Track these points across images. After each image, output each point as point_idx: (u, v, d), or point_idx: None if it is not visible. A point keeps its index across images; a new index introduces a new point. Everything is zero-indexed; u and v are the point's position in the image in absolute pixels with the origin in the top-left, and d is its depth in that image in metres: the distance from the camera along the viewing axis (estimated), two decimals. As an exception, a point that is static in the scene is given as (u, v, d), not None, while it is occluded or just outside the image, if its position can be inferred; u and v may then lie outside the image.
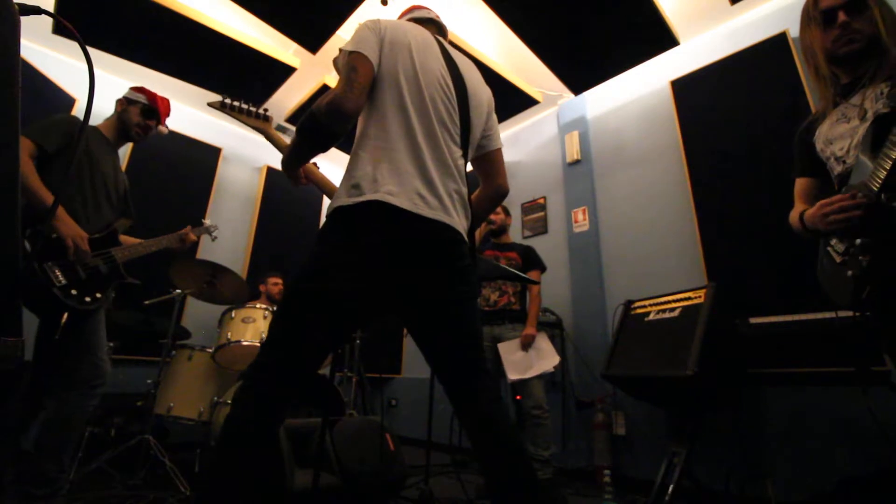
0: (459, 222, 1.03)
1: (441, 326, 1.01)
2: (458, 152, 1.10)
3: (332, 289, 0.92)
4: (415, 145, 1.00)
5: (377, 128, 1.02)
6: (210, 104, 1.38)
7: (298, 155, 1.09)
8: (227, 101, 1.36)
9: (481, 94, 1.22)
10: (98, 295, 1.70)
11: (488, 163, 1.27)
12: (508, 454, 0.92)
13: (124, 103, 1.94)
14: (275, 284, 3.47)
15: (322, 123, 0.96)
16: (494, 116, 1.30)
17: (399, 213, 0.92)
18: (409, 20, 1.32)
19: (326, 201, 4.76)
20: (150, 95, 1.97)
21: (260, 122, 1.39)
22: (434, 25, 1.33)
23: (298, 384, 0.95)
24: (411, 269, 0.97)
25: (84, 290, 1.65)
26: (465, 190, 1.08)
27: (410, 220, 0.93)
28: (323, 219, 4.97)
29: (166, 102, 2.01)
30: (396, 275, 0.97)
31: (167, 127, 2.04)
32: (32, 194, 1.53)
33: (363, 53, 1.02)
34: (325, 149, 1.03)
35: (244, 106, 1.37)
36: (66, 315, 1.60)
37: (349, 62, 1.01)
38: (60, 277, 1.58)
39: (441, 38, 1.25)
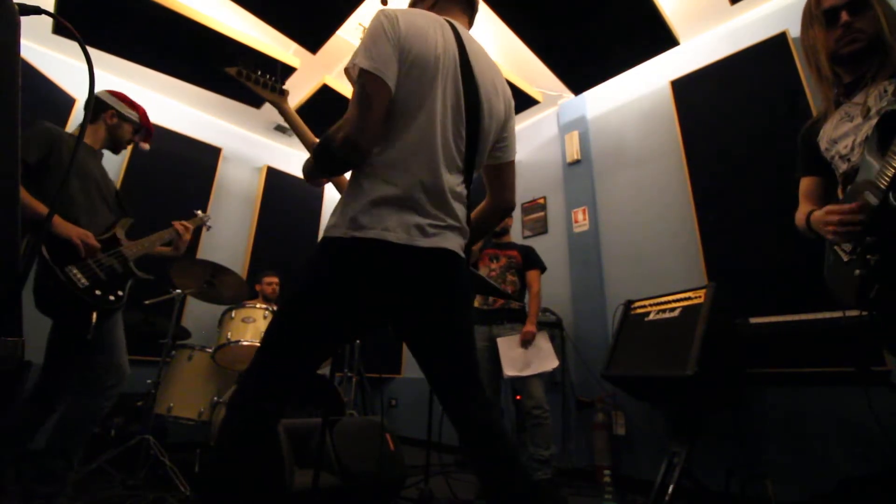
0: (456, 242, 1.01)
1: (435, 342, 1.02)
2: (460, 178, 1.06)
3: (327, 310, 0.93)
4: (417, 178, 0.96)
5: (382, 156, 0.97)
6: (226, 70, 1.30)
7: (319, 173, 1.09)
8: (244, 70, 1.28)
9: (497, 107, 1.12)
10: (119, 293, 1.73)
11: (497, 174, 1.20)
12: (503, 463, 0.93)
13: (116, 118, 1.91)
14: (269, 284, 3.45)
15: (337, 157, 0.97)
16: (512, 124, 1.20)
17: (395, 247, 0.91)
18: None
19: (326, 202, 4.77)
20: (142, 113, 1.99)
21: (275, 96, 1.32)
22: (464, 9, 1.19)
23: (294, 388, 0.96)
24: (406, 295, 0.97)
25: (106, 289, 1.67)
26: (464, 213, 1.06)
27: (406, 251, 0.92)
28: (323, 219, 4.97)
29: (147, 116, 2.03)
30: (392, 299, 0.97)
31: (148, 145, 2.06)
32: (24, 206, 1.51)
33: (381, 78, 0.92)
34: (343, 174, 1.08)
35: (261, 77, 1.30)
36: (94, 315, 1.61)
37: (365, 87, 0.93)
38: (83, 279, 1.60)
39: (461, 27, 1.13)
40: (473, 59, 1.08)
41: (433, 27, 1.03)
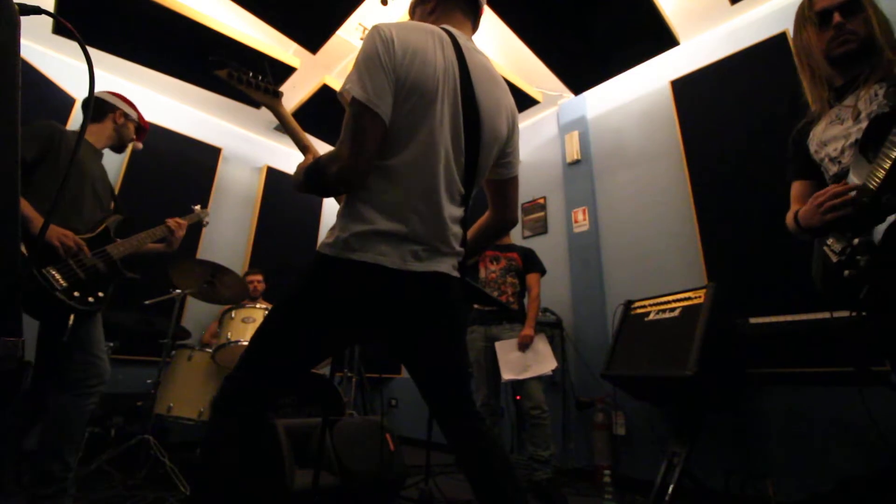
0: (449, 264, 1.00)
1: (426, 361, 1.04)
2: (460, 201, 1.04)
3: (314, 323, 0.94)
4: (416, 210, 0.94)
5: (379, 183, 0.94)
6: (216, 73, 1.24)
7: (309, 191, 1.05)
8: (234, 72, 1.22)
9: (499, 126, 1.07)
10: (100, 294, 1.71)
11: (499, 190, 1.16)
12: (492, 473, 0.95)
13: (123, 118, 1.95)
14: (249, 283, 3.42)
15: (330, 189, 0.99)
16: (516, 139, 1.15)
17: (389, 271, 0.90)
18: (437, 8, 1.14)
19: (326, 202, 4.77)
20: (138, 112, 2.03)
21: (268, 98, 1.26)
22: (466, 14, 1.15)
23: (277, 391, 0.99)
24: (399, 316, 0.98)
25: (86, 290, 1.66)
26: (460, 235, 1.04)
27: (399, 275, 0.91)
28: (323, 219, 4.93)
29: (142, 115, 2.08)
30: (384, 320, 0.98)
31: (141, 143, 2.11)
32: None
33: (375, 112, 0.88)
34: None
35: (252, 79, 1.23)
36: (72, 317, 1.60)
37: (359, 120, 0.89)
38: (61, 280, 1.58)
39: (463, 37, 1.08)
40: (475, 75, 1.03)
41: (432, 45, 0.98)
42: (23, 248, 1.52)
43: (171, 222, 2.03)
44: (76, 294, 1.61)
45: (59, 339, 1.60)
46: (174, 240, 2.04)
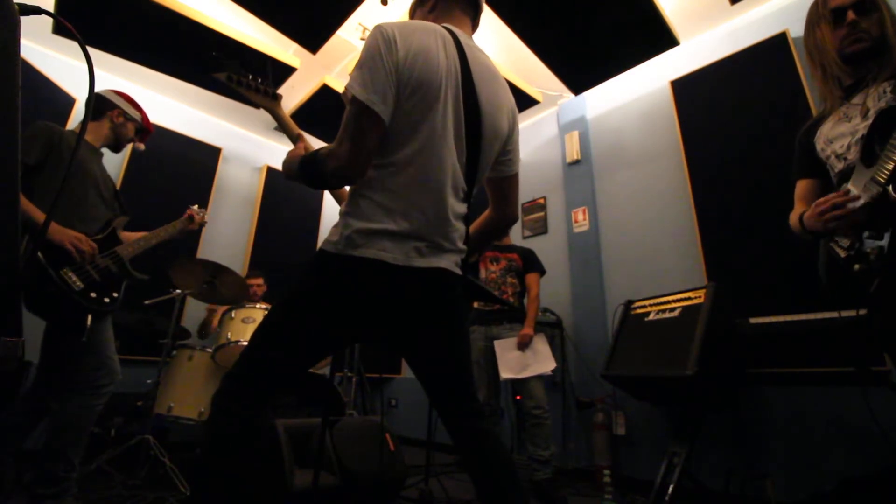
0: (451, 260, 1.00)
1: (429, 358, 1.04)
2: (463, 197, 1.04)
3: (315, 321, 0.94)
4: (419, 208, 0.94)
5: (382, 180, 0.94)
6: (215, 75, 1.25)
7: (302, 182, 1.05)
8: (233, 75, 1.22)
9: (500, 123, 1.08)
10: (115, 294, 1.73)
11: (500, 187, 1.17)
12: (496, 472, 0.96)
13: (122, 117, 1.93)
14: (249, 286, 3.40)
15: (328, 181, 0.98)
16: (516, 137, 1.17)
17: (391, 268, 0.90)
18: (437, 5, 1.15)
19: (326, 202, 4.77)
20: (143, 113, 2.01)
21: (267, 100, 1.26)
22: (465, 11, 1.15)
23: (278, 389, 0.98)
24: (401, 312, 0.97)
25: (101, 291, 1.67)
26: (463, 232, 1.04)
27: (402, 271, 0.91)
28: (323, 219, 4.92)
29: (147, 118, 2.07)
30: (386, 317, 0.97)
31: (144, 145, 2.09)
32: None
33: (375, 112, 0.89)
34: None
35: (251, 82, 1.24)
36: (90, 318, 1.61)
37: (359, 119, 0.89)
38: (78, 282, 1.59)
39: (464, 35, 1.09)
40: (476, 74, 1.04)
41: (434, 43, 0.98)
42: (40, 254, 1.53)
43: (192, 217, 2.13)
44: (93, 295, 1.63)
45: (72, 341, 1.61)
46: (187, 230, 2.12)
